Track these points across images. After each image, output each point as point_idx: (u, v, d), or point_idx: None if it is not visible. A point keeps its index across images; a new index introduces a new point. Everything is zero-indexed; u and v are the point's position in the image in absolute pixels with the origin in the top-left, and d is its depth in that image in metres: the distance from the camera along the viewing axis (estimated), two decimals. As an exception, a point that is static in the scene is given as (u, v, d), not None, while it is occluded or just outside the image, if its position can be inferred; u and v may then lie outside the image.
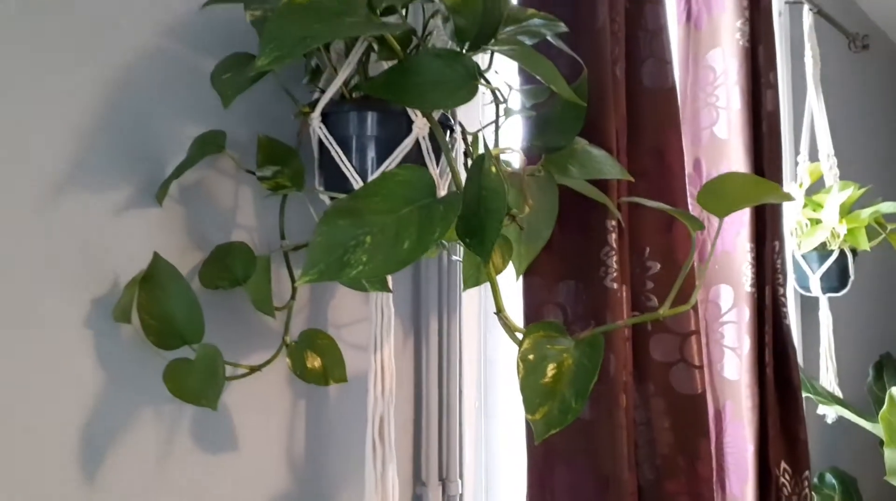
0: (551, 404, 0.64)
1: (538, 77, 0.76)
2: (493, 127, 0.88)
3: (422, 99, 0.69)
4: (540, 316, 1.10)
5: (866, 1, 2.81)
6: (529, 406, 0.64)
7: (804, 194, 2.00)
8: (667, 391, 1.20)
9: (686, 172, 1.30)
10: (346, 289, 0.99)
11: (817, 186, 2.07)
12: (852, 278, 1.98)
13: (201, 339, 0.73)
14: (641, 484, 1.19)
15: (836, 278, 1.98)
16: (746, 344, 1.44)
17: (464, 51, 0.75)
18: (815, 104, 2.09)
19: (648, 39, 1.23)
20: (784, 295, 1.51)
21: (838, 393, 2.01)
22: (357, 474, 0.99)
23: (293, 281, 0.86)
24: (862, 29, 2.60)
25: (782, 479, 1.46)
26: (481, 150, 0.90)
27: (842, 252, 1.96)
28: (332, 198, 0.84)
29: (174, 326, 0.72)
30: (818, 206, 1.97)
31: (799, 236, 1.99)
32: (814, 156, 2.11)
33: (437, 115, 0.80)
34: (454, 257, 1.08)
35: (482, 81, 0.71)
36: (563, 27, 0.86)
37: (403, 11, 0.81)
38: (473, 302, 1.21)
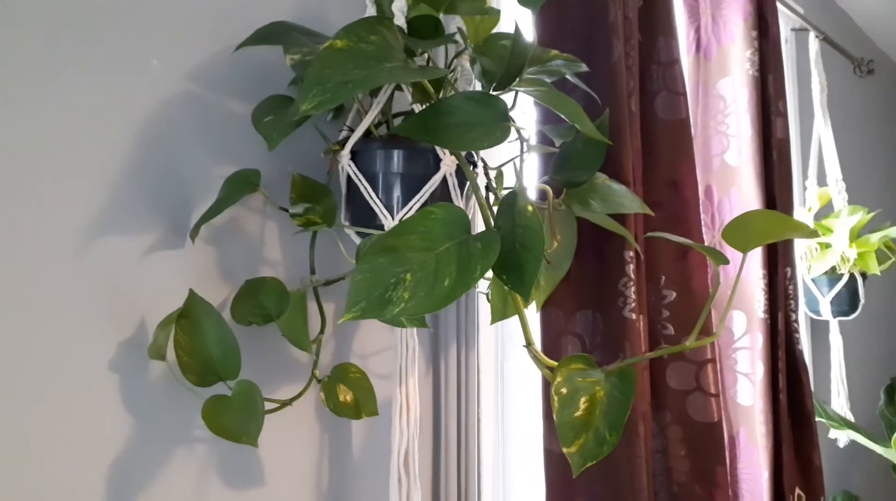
0: (586, 436, 0.65)
1: (563, 116, 0.78)
2: (511, 162, 0.90)
3: (460, 140, 0.71)
4: (558, 346, 1.11)
5: (871, 26, 2.85)
6: (565, 439, 0.65)
7: (813, 219, 2.02)
8: (683, 419, 1.21)
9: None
10: (370, 320, 1.00)
11: (826, 210, 2.09)
12: (862, 301, 1.99)
13: (238, 375, 0.75)
14: (659, 512, 1.19)
15: (847, 302, 1.99)
16: (760, 370, 1.45)
17: (490, 91, 0.77)
18: (823, 129, 2.11)
19: (662, 72, 1.25)
20: (796, 321, 1.53)
21: (850, 417, 2.02)
22: (382, 505, 1.00)
23: (322, 315, 0.88)
24: (867, 54, 2.63)
25: (797, 506, 1.46)
26: (505, 185, 0.92)
27: (852, 276, 1.97)
28: (358, 233, 0.86)
29: (211, 363, 0.74)
30: (827, 230, 1.99)
31: (809, 260, 2.00)
32: (822, 180, 2.13)
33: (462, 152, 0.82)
34: (478, 291, 1.09)
35: (512, 121, 0.73)
36: (583, 67, 0.88)
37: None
38: (490, 330, 1.23)
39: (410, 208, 0.82)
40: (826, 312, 2.01)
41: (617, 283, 1.09)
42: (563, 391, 0.67)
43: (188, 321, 0.74)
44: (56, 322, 0.72)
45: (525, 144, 0.85)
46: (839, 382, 2.05)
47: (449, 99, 0.73)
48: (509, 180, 0.93)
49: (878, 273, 1.95)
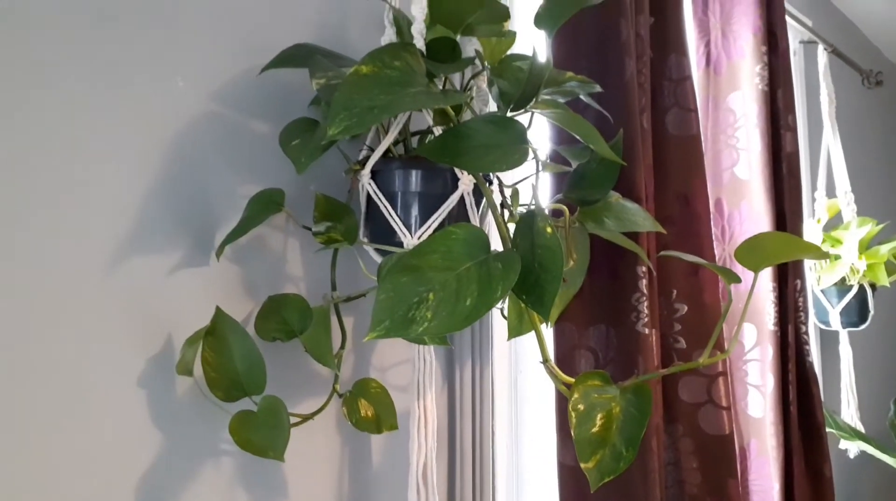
0: (603, 452, 0.67)
1: (578, 137, 0.80)
2: (526, 180, 0.91)
3: (480, 162, 0.72)
4: (572, 360, 1.13)
5: (879, 38, 2.86)
6: (583, 455, 0.67)
7: (822, 230, 2.03)
8: (695, 431, 1.23)
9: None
10: (388, 335, 1.02)
11: (835, 221, 2.10)
12: (872, 312, 2.00)
13: (263, 390, 0.76)
14: (672, 524, 1.21)
15: (856, 313, 2.00)
16: (770, 382, 1.46)
17: (507, 112, 0.79)
18: (832, 141, 2.12)
19: (673, 89, 1.27)
20: (806, 333, 1.54)
21: (860, 428, 2.03)
22: (399, 516, 1.02)
23: (343, 331, 0.90)
24: (875, 65, 2.65)
25: (809, 517, 1.47)
26: (521, 202, 0.94)
27: (861, 287, 1.98)
28: (378, 250, 0.88)
29: (237, 378, 0.75)
30: (836, 242, 2.00)
31: (818, 271, 2.01)
32: (830, 192, 2.14)
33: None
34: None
35: (529, 143, 0.75)
36: (597, 88, 0.90)
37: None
38: (505, 344, 1.24)
39: (429, 226, 0.84)
40: (836, 323, 2.02)
41: (630, 298, 1.10)
42: (580, 407, 0.69)
43: (215, 338, 0.76)
44: (86, 339, 0.74)
45: (540, 163, 0.87)
46: (849, 392, 2.06)
47: (469, 122, 0.75)
48: (524, 197, 0.95)
49: (888, 284, 1.96)
